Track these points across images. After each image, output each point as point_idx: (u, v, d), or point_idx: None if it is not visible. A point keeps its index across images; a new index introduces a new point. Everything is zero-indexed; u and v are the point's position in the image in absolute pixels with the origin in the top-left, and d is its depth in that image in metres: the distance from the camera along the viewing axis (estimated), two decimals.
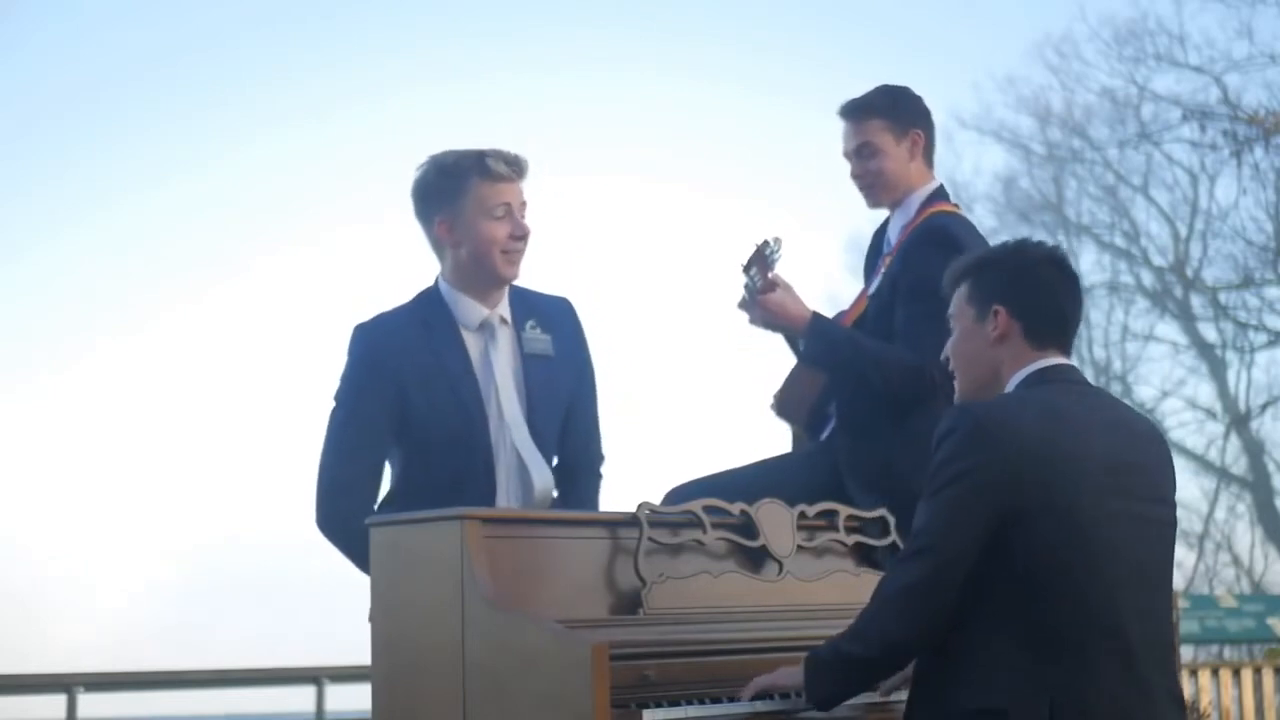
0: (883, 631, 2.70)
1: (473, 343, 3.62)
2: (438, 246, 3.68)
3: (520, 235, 3.61)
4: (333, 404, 3.59)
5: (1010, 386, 2.88)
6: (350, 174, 27.37)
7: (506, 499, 3.56)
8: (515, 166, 3.63)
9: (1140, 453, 2.82)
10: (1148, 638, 2.71)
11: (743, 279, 3.98)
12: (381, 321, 3.63)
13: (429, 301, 3.67)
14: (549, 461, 3.65)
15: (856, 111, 4.04)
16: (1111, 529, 2.69)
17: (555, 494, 3.65)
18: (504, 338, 3.65)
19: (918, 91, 4.13)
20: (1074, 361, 2.93)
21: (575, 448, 3.74)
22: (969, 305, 2.93)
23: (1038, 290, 2.89)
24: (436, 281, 3.70)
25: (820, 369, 3.99)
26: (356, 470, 3.53)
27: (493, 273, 3.62)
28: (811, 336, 3.92)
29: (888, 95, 4.05)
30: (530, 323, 3.68)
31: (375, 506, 3.55)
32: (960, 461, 2.69)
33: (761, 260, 3.94)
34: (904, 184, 4.03)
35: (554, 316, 3.73)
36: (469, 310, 3.63)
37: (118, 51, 27.55)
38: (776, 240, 3.94)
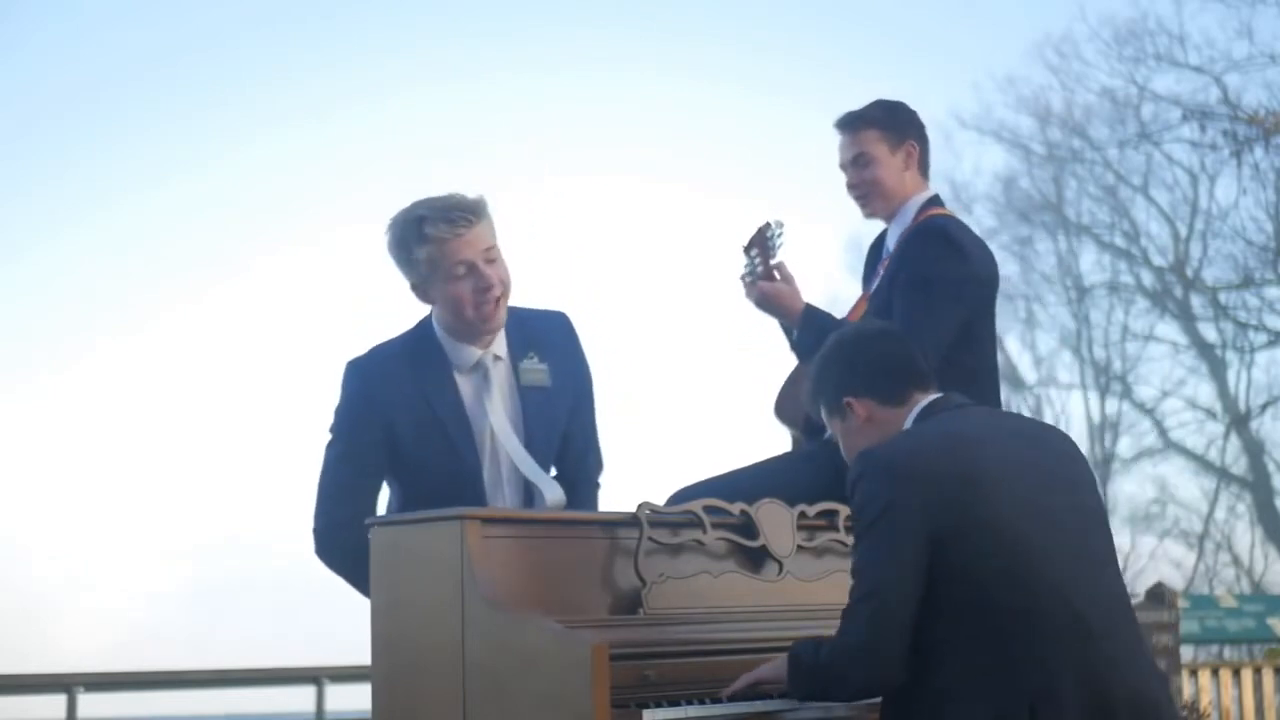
0: (848, 677, 2.77)
1: (465, 383, 3.58)
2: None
3: (485, 288, 3.50)
4: (328, 437, 3.59)
5: None
6: (350, 174, 27.36)
7: None
8: (462, 219, 3.47)
9: (1044, 452, 2.89)
10: (1108, 622, 2.75)
11: (743, 259, 4.00)
12: (374, 357, 3.60)
13: (422, 340, 3.62)
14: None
15: (852, 123, 4.10)
16: (1037, 529, 2.74)
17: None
18: (498, 375, 3.61)
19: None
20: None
21: (573, 461, 3.73)
22: (833, 417, 3.09)
23: (860, 366, 3.04)
24: (431, 319, 3.65)
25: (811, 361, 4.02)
26: (353, 508, 3.50)
27: (473, 328, 3.56)
28: (804, 328, 3.96)
29: (882, 108, 4.12)
30: (530, 355, 3.63)
31: None
32: (879, 500, 2.76)
33: (762, 242, 3.96)
34: (899, 194, 4.07)
35: (550, 338, 3.69)
36: (461, 353, 3.59)
37: (118, 51, 27.57)
38: (778, 223, 3.97)
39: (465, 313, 3.52)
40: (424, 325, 3.65)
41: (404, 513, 3.53)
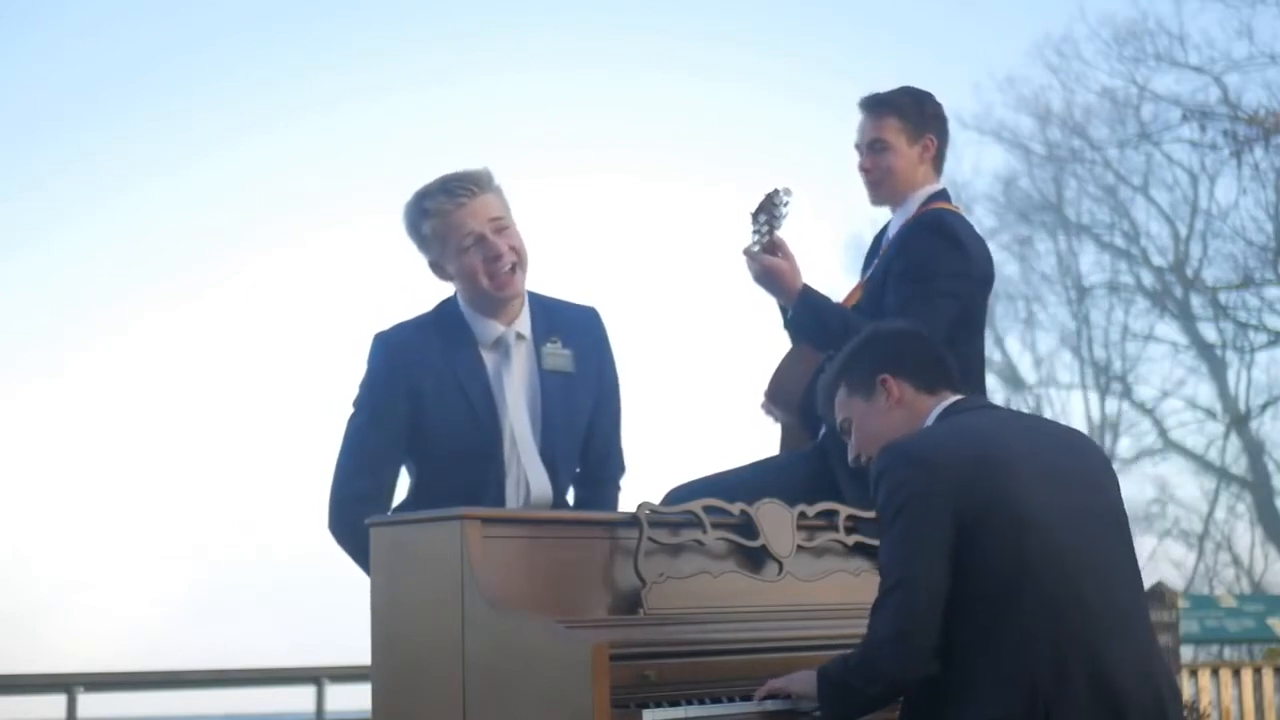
0: (880, 671, 2.76)
1: (489, 358, 3.59)
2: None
3: (494, 257, 3.52)
4: (351, 410, 3.58)
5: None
6: (350, 174, 27.37)
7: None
8: (462, 189, 3.52)
9: (1065, 450, 2.91)
10: (1122, 622, 2.75)
11: (749, 227, 3.96)
12: (401, 331, 3.61)
13: (448, 315, 3.63)
14: (564, 475, 3.62)
15: (876, 106, 4.10)
16: (1055, 524, 2.75)
17: (570, 501, 3.64)
18: (519, 354, 3.60)
19: None
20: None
21: (595, 460, 3.72)
22: (853, 397, 3.07)
23: (909, 348, 3.06)
24: (455, 296, 3.66)
25: (806, 341, 4.01)
26: (373, 481, 3.52)
27: (490, 298, 3.57)
28: (801, 307, 3.94)
29: (910, 96, 4.11)
30: (553, 339, 3.63)
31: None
32: (903, 490, 2.76)
33: (770, 209, 3.93)
34: (910, 185, 4.07)
35: (577, 329, 3.68)
36: (484, 328, 3.59)
37: (117, 50, 27.57)
38: (787, 190, 3.95)
39: (480, 283, 3.54)
40: (449, 301, 3.67)
41: (421, 490, 3.55)
